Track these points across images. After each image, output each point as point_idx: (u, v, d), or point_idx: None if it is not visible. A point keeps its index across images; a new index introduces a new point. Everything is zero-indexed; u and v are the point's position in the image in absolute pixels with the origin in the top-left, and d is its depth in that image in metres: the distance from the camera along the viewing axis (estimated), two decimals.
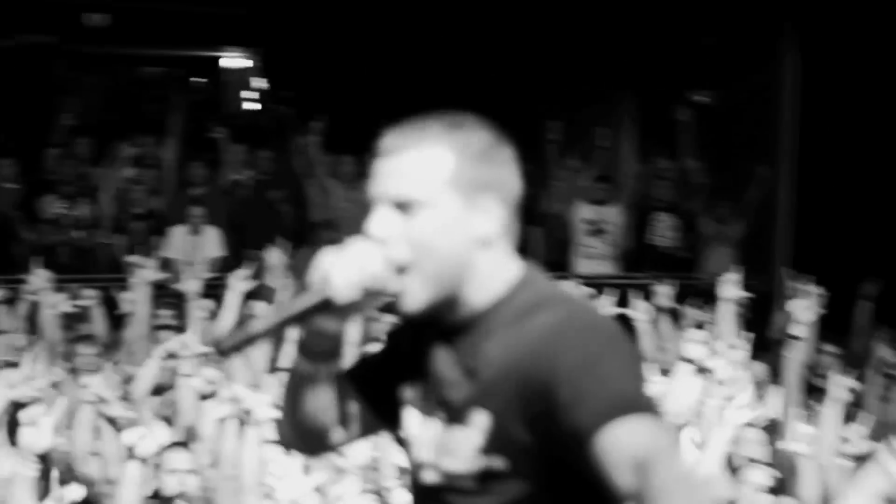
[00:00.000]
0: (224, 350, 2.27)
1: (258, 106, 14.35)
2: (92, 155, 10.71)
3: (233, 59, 14.38)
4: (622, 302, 8.33)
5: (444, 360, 2.30)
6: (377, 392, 2.47)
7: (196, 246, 10.02)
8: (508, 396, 2.13)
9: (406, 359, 2.40)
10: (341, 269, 2.23)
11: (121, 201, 10.38)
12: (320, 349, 2.39)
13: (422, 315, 2.27)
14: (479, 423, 2.19)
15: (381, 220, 2.24)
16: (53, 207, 10.02)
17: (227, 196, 10.61)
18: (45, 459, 5.34)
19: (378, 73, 11.42)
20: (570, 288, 8.34)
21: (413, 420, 2.39)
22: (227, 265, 9.64)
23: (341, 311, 2.28)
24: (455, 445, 2.24)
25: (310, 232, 10.23)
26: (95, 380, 5.93)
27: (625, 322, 8.08)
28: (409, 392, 2.41)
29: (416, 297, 2.24)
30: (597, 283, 8.66)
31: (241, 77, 14.54)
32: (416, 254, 2.23)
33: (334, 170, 10.66)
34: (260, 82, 14.32)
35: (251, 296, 7.95)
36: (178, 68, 13.79)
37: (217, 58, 14.21)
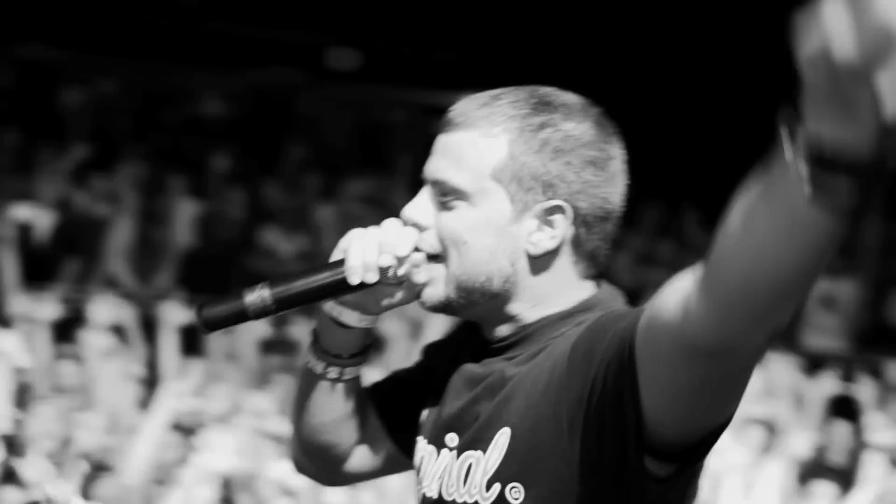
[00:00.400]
0: (207, 321, 1.92)
1: None
2: (319, 189, 10.81)
3: None
4: (848, 379, 7.89)
5: (462, 379, 1.97)
6: (404, 416, 2.12)
7: None
8: (539, 403, 1.81)
9: (438, 379, 2.04)
10: (361, 247, 1.92)
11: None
12: (334, 344, 2.04)
13: (454, 314, 1.96)
14: (499, 444, 1.85)
15: (418, 203, 1.93)
16: (273, 239, 10.12)
17: None
18: (222, 482, 5.34)
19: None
20: (792, 363, 7.90)
21: (421, 449, 2.03)
22: None
23: (359, 297, 1.97)
24: (464, 475, 1.89)
25: None
26: (262, 400, 5.87)
27: (847, 402, 7.65)
28: (423, 417, 2.07)
29: (436, 291, 1.93)
30: (821, 358, 8.23)
31: None
32: (443, 248, 1.91)
33: None
34: None
35: None
36: (415, 110, 13.91)
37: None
